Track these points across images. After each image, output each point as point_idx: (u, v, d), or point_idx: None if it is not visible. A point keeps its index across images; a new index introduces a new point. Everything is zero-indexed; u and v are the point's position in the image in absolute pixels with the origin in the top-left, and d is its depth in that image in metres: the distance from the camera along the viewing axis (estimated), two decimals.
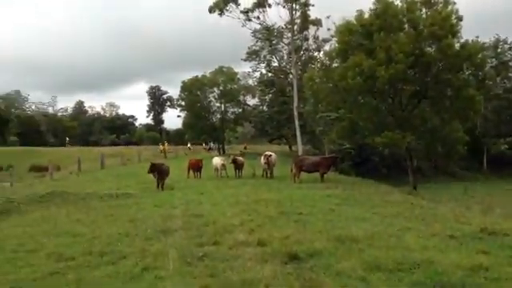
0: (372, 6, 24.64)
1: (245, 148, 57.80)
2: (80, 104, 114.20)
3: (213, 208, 12.48)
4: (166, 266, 6.74)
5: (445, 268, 6.15)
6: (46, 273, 6.74)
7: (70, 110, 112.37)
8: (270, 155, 22.92)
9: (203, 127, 56.09)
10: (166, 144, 59.29)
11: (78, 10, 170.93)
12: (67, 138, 71.95)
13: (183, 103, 57.72)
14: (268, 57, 53.06)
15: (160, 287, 5.88)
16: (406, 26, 24.38)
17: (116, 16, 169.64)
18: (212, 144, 60.18)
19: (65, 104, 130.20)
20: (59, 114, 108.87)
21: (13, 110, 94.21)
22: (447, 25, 23.14)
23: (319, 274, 6.11)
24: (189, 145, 59.60)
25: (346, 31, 24.71)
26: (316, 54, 48.86)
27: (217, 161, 24.22)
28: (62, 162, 42.17)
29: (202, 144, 61.69)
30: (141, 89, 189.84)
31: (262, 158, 22.98)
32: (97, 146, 69.12)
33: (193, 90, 54.73)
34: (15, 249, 8.40)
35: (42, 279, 6.47)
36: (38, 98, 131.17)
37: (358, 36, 24.40)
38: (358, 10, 25.01)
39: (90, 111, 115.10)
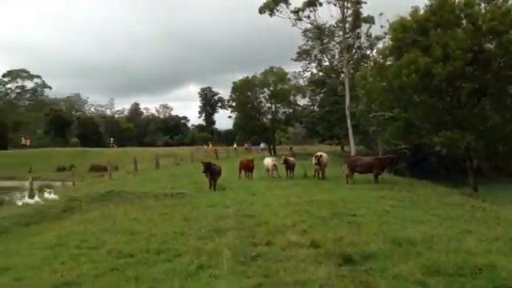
0: (427, 2, 23.88)
1: (290, 149, 57.62)
2: (136, 106, 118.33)
3: (264, 208, 12.50)
4: (220, 265, 6.82)
5: (509, 273, 5.85)
6: (107, 269, 7.01)
7: (126, 112, 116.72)
8: (321, 155, 22.68)
9: (254, 128, 56.44)
10: (211, 145, 60.68)
11: (133, 14, 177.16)
12: (111, 139, 74.47)
13: (234, 104, 58.36)
14: (319, 56, 52.64)
15: (215, 286, 5.94)
16: (464, 21, 23.38)
17: (169, 18, 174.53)
18: (263, 145, 60.52)
19: (121, 106, 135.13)
20: (116, 115, 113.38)
21: (73, 113, 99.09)
22: (508, 20, 21.99)
23: (375, 277, 5.97)
24: (235, 145, 60.45)
25: (400, 28, 24.02)
26: (369, 52, 47.98)
27: (268, 161, 24.26)
28: (120, 162, 43.82)
29: (243, 144, 62.13)
30: (193, 90, 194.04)
31: (313, 158, 22.79)
32: (151, 147, 71.32)
33: (243, 91, 55.21)
34: (78, 245, 8.79)
35: (103, 275, 6.72)
36: (96, 101, 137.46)
37: (412, 33, 23.65)
38: (412, 7, 24.29)
39: (145, 113, 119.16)
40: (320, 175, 22.50)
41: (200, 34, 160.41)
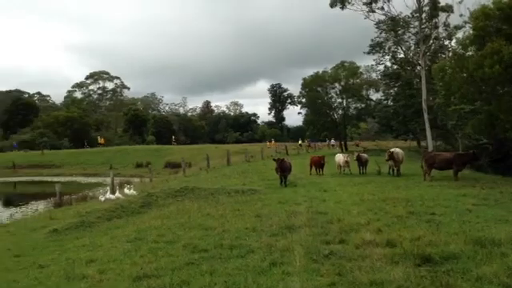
0: None
1: (357, 145, 56.23)
2: (207, 104, 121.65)
3: (337, 206, 12.30)
4: (292, 262, 6.78)
5: None
6: (183, 263, 7.22)
7: (198, 110, 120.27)
8: (395, 151, 21.84)
9: (324, 124, 55.75)
10: (273, 141, 61.01)
11: (205, 13, 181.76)
12: (173, 137, 76.70)
13: (304, 100, 57.96)
14: (393, 48, 50.62)
15: (288, 283, 5.91)
16: None
17: (239, 16, 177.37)
18: (333, 141, 59.64)
19: (194, 104, 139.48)
20: (189, 113, 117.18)
21: (149, 111, 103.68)
22: None
23: (457, 279, 5.63)
24: (300, 142, 60.21)
25: (482, 16, 22.50)
26: (447, 42, 45.50)
27: (340, 158, 23.85)
28: (193, 159, 45.16)
29: (325, 140, 61.45)
30: (262, 87, 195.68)
31: (386, 154, 22.05)
32: (223, 144, 72.85)
33: (313, 87, 54.64)
34: (156, 239, 9.16)
35: (180, 269, 6.92)
36: (170, 100, 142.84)
37: (496, 21, 22.09)
38: None
39: (216, 110, 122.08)
40: (395, 172, 21.73)
41: (270, 31, 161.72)
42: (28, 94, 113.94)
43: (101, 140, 72.98)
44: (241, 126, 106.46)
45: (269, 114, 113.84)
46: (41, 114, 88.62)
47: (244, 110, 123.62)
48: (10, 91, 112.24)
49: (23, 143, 72.64)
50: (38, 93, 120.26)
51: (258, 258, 7.12)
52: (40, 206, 26.57)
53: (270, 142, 63.27)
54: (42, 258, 8.78)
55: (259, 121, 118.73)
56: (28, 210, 26.43)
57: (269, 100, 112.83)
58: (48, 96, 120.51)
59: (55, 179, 41.16)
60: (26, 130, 79.11)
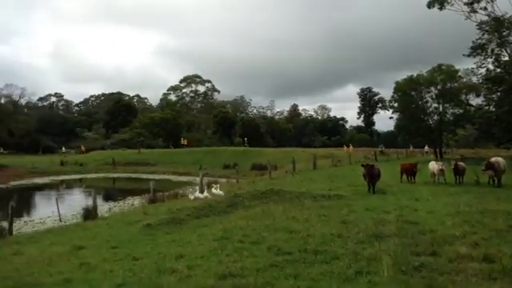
0: None
1: (461, 157, 52.99)
2: (295, 107, 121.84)
3: (429, 216, 11.65)
4: (379, 271, 6.54)
5: None
6: (267, 264, 7.26)
7: (285, 113, 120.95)
8: (493, 161, 20.17)
9: (418, 129, 53.09)
10: (351, 146, 59.92)
11: (293, 17, 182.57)
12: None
13: (396, 104, 55.72)
14: (496, 50, 47.04)
15: None
16: None
17: (329, 20, 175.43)
18: (427, 147, 56.78)
19: (281, 107, 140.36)
20: (276, 117, 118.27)
21: (238, 114, 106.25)
22: None
23: None
24: (380, 147, 58.48)
25: None
26: None
27: (434, 165, 22.56)
28: (279, 162, 45.38)
29: (423, 147, 58.86)
30: (352, 91, 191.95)
31: (484, 164, 20.44)
32: (309, 148, 72.51)
33: (407, 91, 52.31)
34: (241, 239, 9.31)
35: (264, 270, 6.97)
36: (258, 103, 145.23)
37: None
38: None
39: (303, 114, 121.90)
40: (495, 182, 20.10)
41: (360, 34, 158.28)
42: (128, 96, 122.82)
43: (184, 141, 76.55)
44: (328, 130, 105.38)
45: (358, 118, 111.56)
46: (139, 115, 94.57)
47: (332, 114, 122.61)
48: (113, 94, 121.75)
49: (122, 142, 78.10)
50: (137, 95, 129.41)
51: (344, 265, 6.97)
52: (135, 201, 28.34)
53: (348, 146, 62.47)
54: (136, 250, 9.30)
55: (347, 125, 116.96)
56: (125, 204, 28.34)
57: (358, 104, 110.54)
58: (146, 98, 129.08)
59: (149, 177, 43.64)
60: (125, 130, 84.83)
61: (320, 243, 8.60)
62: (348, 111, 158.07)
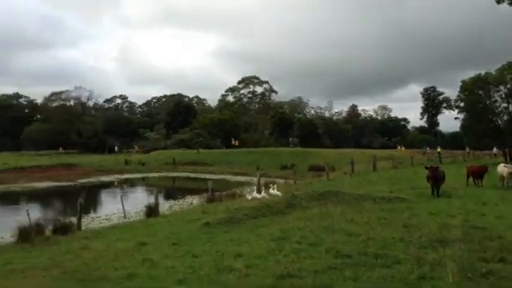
0: None
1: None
2: (353, 107, 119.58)
3: (498, 221, 11.07)
4: (444, 277, 6.31)
5: None
6: (325, 267, 7.17)
7: (344, 114, 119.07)
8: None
9: (485, 130, 50.45)
10: (403, 147, 58.58)
11: (353, 16, 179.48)
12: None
13: (462, 104, 53.28)
14: None
15: None
16: None
17: (388, 18, 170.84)
18: (496, 149, 53.84)
19: (339, 108, 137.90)
20: (334, 117, 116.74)
21: (295, 115, 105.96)
22: None
23: None
24: (424, 149, 56.82)
25: None
26: None
27: (503, 168, 21.31)
28: (337, 163, 44.74)
29: (491, 149, 56.02)
30: (414, 91, 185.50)
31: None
32: (368, 149, 70.91)
33: (474, 90, 49.84)
34: (299, 240, 9.25)
35: (322, 272, 6.90)
36: (316, 103, 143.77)
37: None
38: None
39: (362, 114, 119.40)
40: None
41: (423, 32, 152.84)
42: (188, 97, 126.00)
43: (235, 142, 77.82)
44: (389, 131, 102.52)
45: (421, 118, 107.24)
46: (198, 116, 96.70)
47: (393, 114, 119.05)
48: (174, 95, 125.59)
49: (181, 142, 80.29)
50: (196, 96, 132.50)
51: (406, 270, 6.76)
52: (194, 200, 28.99)
53: (401, 147, 60.97)
54: (196, 248, 9.49)
55: (409, 126, 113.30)
56: (184, 203, 29.07)
57: (421, 104, 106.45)
58: (205, 99, 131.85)
59: (207, 176, 44.54)
60: (184, 130, 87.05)
61: (380, 247, 8.38)
62: (410, 111, 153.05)
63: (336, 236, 9.49)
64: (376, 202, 15.21)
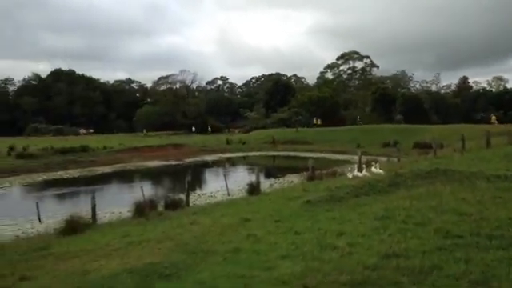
0: None
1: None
2: (464, 80, 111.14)
3: None
4: None
5: None
6: (434, 247, 6.87)
7: (453, 87, 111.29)
8: None
9: None
10: (496, 121, 52.45)
11: None
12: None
13: None
14: None
15: None
16: None
17: None
18: None
19: (448, 81, 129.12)
20: (442, 91, 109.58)
21: (399, 90, 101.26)
22: None
23: None
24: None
25: None
26: None
27: None
28: (445, 139, 42.12)
29: None
30: None
31: None
32: (481, 124, 65.64)
33: None
34: (404, 220, 8.91)
35: (430, 253, 6.62)
36: (421, 77, 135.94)
37: None
38: None
39: (474, 87, 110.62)
40: None
41: None
42: (286, 76, 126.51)
43: (316, 121, 76.95)
44: (504, 104, 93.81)
45: None
46: (296, 95, 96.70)
47: (509, 85, 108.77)
48: (271, 75, 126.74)
49: (280, 121, 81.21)
50: (294, 75, 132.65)
51: None
52: (294, 178, 29.27)
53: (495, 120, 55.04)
54: (298, 225, 9.61)
55: None
56: (284, 181, 29.49)
57: None
58: (303, 78, 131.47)
59: (307, 155, 44.55)
60: (283, 109, 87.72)
61: (495, 227, 7.80)
62: None
63: (445, 216, 8.99)
64: (490, 180, 14.08)
